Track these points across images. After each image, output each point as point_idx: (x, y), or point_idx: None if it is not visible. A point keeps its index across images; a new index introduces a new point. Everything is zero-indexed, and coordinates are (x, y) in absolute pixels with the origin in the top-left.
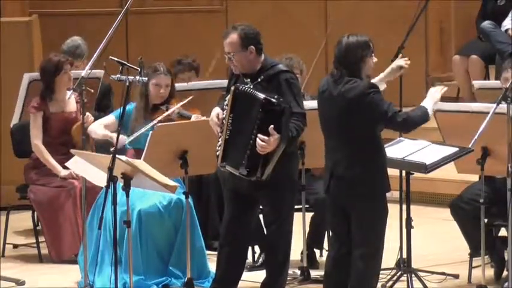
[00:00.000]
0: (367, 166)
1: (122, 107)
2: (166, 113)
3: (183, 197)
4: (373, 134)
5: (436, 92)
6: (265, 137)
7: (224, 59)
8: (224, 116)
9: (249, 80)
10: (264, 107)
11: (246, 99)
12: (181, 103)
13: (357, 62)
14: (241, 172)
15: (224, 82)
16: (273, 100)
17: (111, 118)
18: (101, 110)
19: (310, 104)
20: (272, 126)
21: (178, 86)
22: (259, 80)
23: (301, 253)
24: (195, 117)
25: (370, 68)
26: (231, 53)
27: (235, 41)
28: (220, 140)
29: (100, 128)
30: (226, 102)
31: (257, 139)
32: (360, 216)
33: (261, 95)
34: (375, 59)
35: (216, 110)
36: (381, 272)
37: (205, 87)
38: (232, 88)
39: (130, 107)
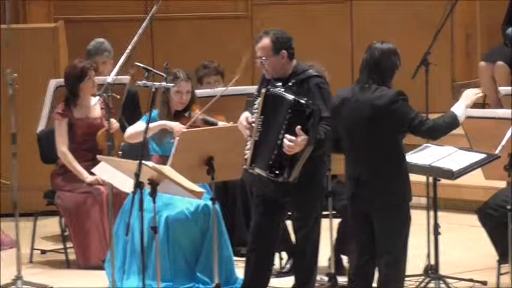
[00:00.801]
0: (392, 174)
1: (149, 113)
2: (192, 120)
3: (210, 203)
4: (398, 143)
5: (470, 95)
6: (293, 137)
7: (252, 63)
8: (254, 119)
9: (280, 83)
10: (293, 108)
11: (276, 100)
12: (204, 109)
13: (390, 69)
14: (268, 173)
15: (249, 88)
16: (302, 101)
17: (142, 125)
18: (129, 115)
19: None
20: (299, 126)
21: (203, 92)
22: (290, 84)
23: (329, 259)
24: (221, 123)
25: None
26: (263, 57)
27: (267, 45)
28: (249, 143)
29: (142, 125)
30: (256, 106)
31: (284, 139)
32: (384, 224)
33: (291, 96)
34: None
35: (245, 114)
36: (409, 278)
37: (229, 94)
38: (263, 90)
39: (154, 114)
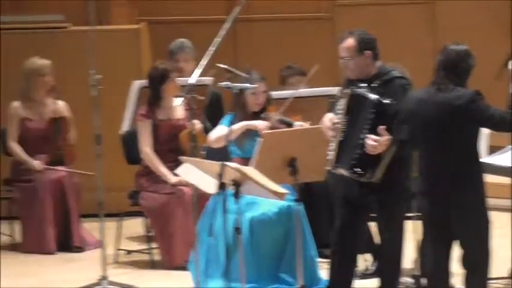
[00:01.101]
0: (471, 174)
1: (229, 116)
2: (270, 121)
3: (293, 204)
4: (474, 142)
5: None
6: (376, 137)
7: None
8: (337, 120)
9: (364, 84)
10: (377, 108)
11: (359, 100)
12: (281, 109)
13: (466, 70)
14: (351, 173)
15: (330, 89)
16: (386, 101)
17: (223, 128)
18: (212, 117)
19: None
20: (383, 126)
21: (284, 93)
22: (373, 85)
23: (414, 261)
24: (298, 124)
25: None
26: (346, 57)
27: (351, 45)
28: (333, 143)
29: (224, 129)
30: (340, 106)
31: (367, 139)
32: (464, 224)
33: (374, 96)
34: None
35: (329, 115)
36: (495, 281)
37: (310, 95)
38: (347, 91)
39: (232, 117)
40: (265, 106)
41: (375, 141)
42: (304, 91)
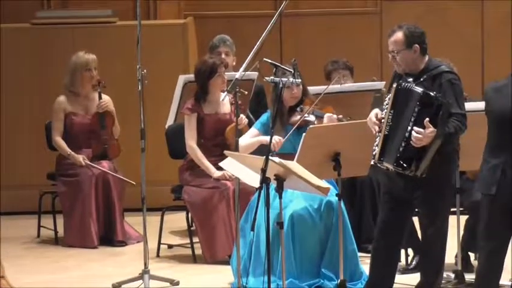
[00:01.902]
0: None
1: (264, 117)
2: (300, 119)
3: (334, 199)
4: None
5: None
6: (421, 130)
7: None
8: (383, 114)
9: (411, 79)
10: (422, 101)
11: (406, 94)
12: (315, 102)
13: None
14: (395, 166)
15: (376, 84)
16: (431, 94)
17: (253, 131)
18: (255, 110)
19: (469, 106)
20: (428, 119)
21: (324, 88)
22: (421, 79)
23: (456, 256)
24: (327, 116)
25: None
26: (394, 51)
27: (399, 39)
28: (378, 138)
29: (247, 139)
30: (386, 101)
31: (412, 132)
32: None
33: (420, 89)
34: None
35: (375, 111)
36: None
37: (356, 90)
38: (394, 85)
39: (264, 118)
40: (302, 99)
41: (419, 134)
42: (349, 86)
